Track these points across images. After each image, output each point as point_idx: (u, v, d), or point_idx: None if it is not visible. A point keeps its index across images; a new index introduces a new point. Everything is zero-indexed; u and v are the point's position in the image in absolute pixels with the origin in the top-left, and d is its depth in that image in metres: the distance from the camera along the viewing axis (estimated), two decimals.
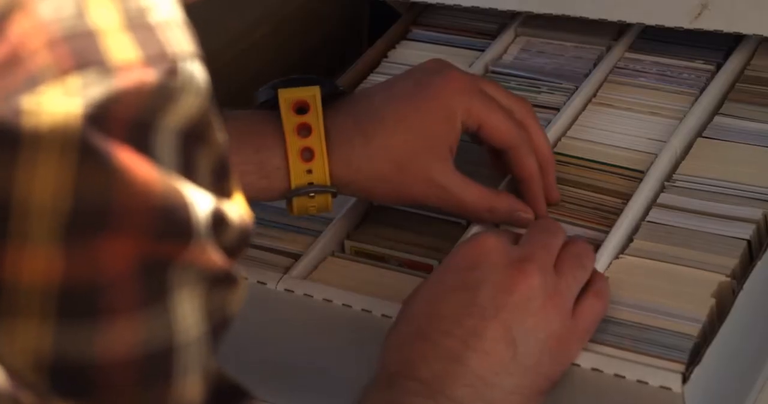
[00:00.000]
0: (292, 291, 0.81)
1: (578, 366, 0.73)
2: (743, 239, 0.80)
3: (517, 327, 0.70)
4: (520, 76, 0.97)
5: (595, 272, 0.76)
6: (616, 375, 0.72)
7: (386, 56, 1.03)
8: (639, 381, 0.72)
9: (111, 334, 0.44)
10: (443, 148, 0.81)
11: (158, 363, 0.46)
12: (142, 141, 0.44)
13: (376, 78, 1.00)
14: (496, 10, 1.01)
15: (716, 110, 0.92)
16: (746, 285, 0.77)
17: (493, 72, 0.98)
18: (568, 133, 0.91)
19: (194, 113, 0.45)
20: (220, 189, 0.47)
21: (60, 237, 0.43)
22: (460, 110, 0.81)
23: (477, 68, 0.98)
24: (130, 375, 0.45)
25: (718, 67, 0.95)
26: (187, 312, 0.46)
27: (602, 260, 0.80)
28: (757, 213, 0.82)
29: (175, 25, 0.45)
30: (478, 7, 1.01)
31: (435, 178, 0.81)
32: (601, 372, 0.73)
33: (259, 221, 0.86)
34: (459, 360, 0.69)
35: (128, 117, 0.43)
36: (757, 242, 0.81)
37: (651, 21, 0.96)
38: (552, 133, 0.90)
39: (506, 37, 1.01)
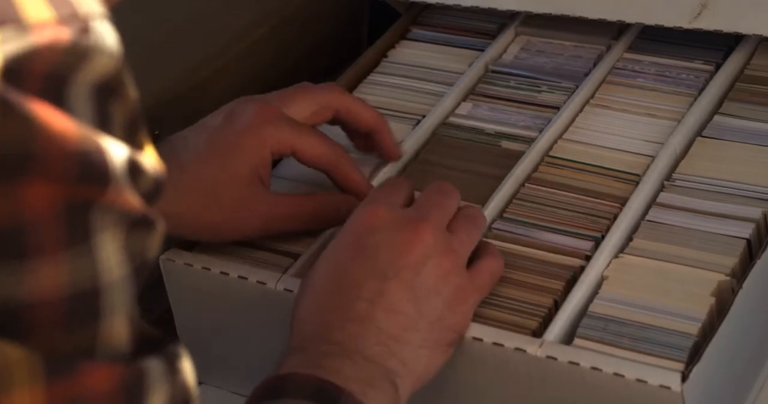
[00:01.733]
0: (292, 291, 0.81)
1: (578, 364, 0.73)
2: (743, 238, 0.80)
3: (417, 285, 0.74)
4: (520, 75, 0.97)
5: (483, 241, 0.80)
6: (616, 374, 0.72)
7: (386, 56, 1.03)
8: (638, 380, 0.72)
9: (38, 274, 0.47)
10: (252, 174, 0.83)
11: (85, 303, 0.48)
12: (57, 94, 0.46)
13: (376, 78, 1.00)
14: (496, 10, 1.01)
15: (715, 111, 0.91)
16: (746, 284, 0.77)
17: (493, 71, 0.98)
18: (565, 135, 0.91)
19: (108, 71, 0.48)
20: (134, 141, 0.50)
21: None
22: (269, 140, 0.84)
23: (477, 68, 0.98)
24: (58, 315, 0.47)
25: (717, 67, 0.95)
26: (110, 254, 0.48)
27: (601, 260, 0.80)
28: (756, 212, 0.82)
29: None
30: (477, 7, 1.01)
31: (249, 204, 0.83)
32: (601, 370, 0.73)
33: None
34: (369, 320, 0.72)
35: (43, 71, 0.46)
36: (756, 241, 0.81)
37: (650, 21, 0.96)
38: (550, 134, 0.90)
39: (506, 36, 1.01)
